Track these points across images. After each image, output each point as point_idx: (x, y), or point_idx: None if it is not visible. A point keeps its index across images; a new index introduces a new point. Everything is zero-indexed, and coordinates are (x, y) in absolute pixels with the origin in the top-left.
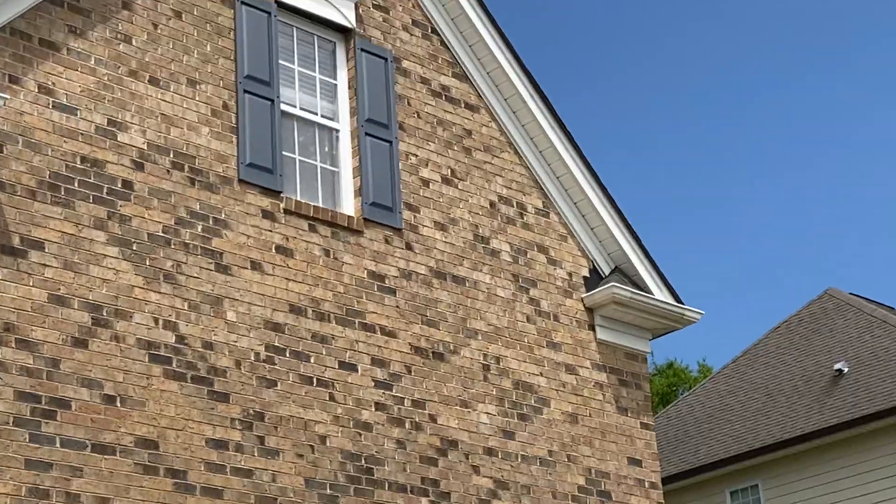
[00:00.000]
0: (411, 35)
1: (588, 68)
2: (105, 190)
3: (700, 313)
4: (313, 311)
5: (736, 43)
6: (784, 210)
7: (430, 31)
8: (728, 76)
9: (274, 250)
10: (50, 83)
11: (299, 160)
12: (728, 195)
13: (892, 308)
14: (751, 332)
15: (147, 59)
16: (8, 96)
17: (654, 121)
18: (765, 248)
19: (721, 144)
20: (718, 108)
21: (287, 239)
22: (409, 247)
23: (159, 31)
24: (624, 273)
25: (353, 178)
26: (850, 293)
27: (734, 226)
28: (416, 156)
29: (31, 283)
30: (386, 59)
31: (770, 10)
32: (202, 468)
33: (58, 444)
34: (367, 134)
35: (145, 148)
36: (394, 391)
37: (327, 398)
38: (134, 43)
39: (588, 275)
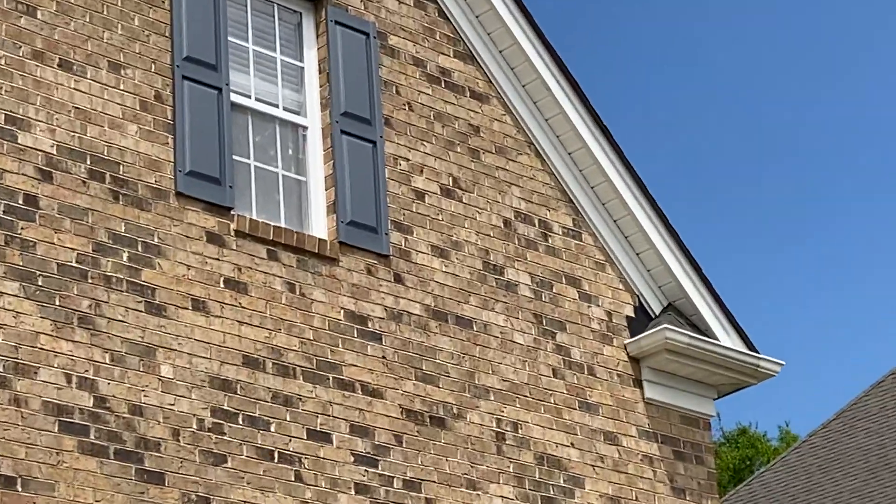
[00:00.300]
0: (399, 3)
1: (635, 48)
2: (2, 208)
3: (780, 364)
4: (274, 363)
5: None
6: (883, 244)
7: None
8: (831, 96)
9: (223, 285)
10: None
11: (255, 167)
12: (817, 222)
13: None
14: (846, 389)
15: (56, 37)
16: None
17: (724, 114)
18: (862, 288)
19: (811, 159)
20: (821, 117)
21: (239, 270)
22: (398, 279)
23: (72, 1)
24: (680, 312)
25: (326, 189)
26: None
27: (823, 260)
28: (408, 160)
29: None
30: (367, 35)
31: None
32: None
33: None
34: (343, 132)
35: (54, 152)
36: (379, 468)
37: (292, 478)
38: (39, 16)
39: (633, 314)
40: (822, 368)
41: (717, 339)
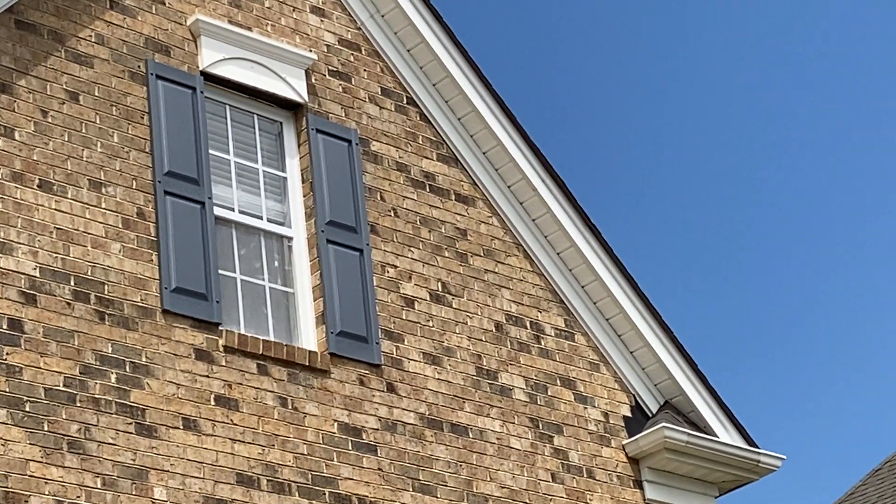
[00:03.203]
0: (381, 108)
1: (619, 144)
2: None
3: (781, 458)
4: (269, 480)
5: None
6: (880, 330)
7: (405, 101)
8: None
9: (213, 402)
10: None
11: (241, 280)
12: (812, 314)
13: None
14: (846, 477)
15: (35, 158)
16: None
17: (712, 208)
18: (862, 374)
19: (804, 244)
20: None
21: (230, 386)
22: (391, 388)
23: (50, 120)
24: (677, 409)
25: (314, 300)
26: None
27: (819, 349)
28: (396, 266)
29: None
30: (349, 142)
31: None
32: None
33: None
34: (329, 241)
35: (37, 275)
36: None
37: None
38: (17, 137)
39: (630, 414)
40: (825, 457)
41: (716, 435)
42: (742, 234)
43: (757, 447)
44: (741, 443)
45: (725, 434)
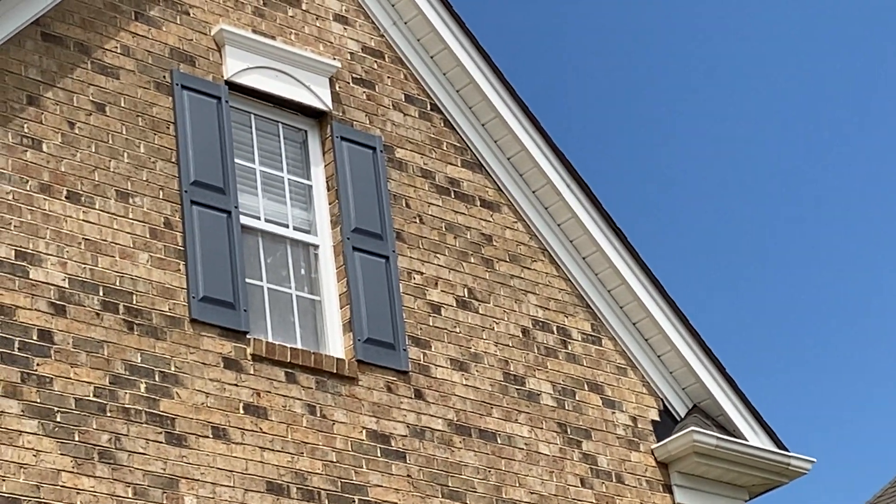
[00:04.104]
0: (405, 115)
1: (644, 147)
2: (16, 344)
3: (811, 461)
4: (298, 488)
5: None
6: None
7: (429, 108)
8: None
9: (242, 410)
10: None
11: (268, 289)
12: (841, 313)
13: None
14: (876, 479)
15: (63, 169)
16: None
17: (739, 209)
18: (892, 375)
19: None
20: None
21: (258, 395)
22: (419, 395)
23: (77, 132)
24: (706, 413)
25: (341, 307)
26: None
27: (851, 352)
28: (422, 273)
29: None
30: (374, 149)
31: None
32: None
33: None
34: (355, 248)
35: (66, 285)
36: None
37: None
38: (45, 149)
39: (658, 418)
40: (854, 460)
41: (745, 439)
42: (768, 236)
43: (787, 450)
44: (771, 446)
45: (755, 437)
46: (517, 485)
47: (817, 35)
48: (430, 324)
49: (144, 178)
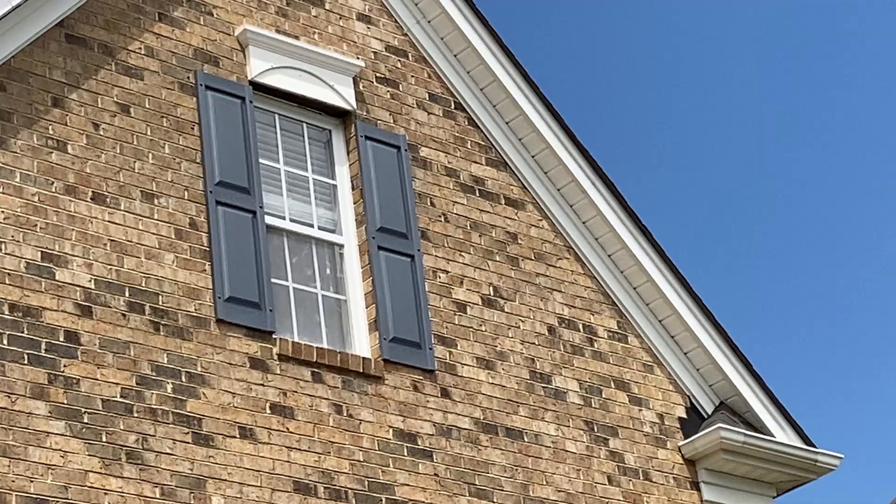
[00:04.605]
0: (429, 114)
1: (671, 143)
2: (43, 346)
3: (838, 458)
4: (325, 487)
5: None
6: None
7: (453, 106)
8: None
9: (268, 410)
10: None
11: (294, 288)
12: (867, 309)
13: None
14: None
15: (88, 171)
16: None
17: (767, 204)
18: None
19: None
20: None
21: (285, 394)
22: (445, 394)
23: (102, 133)
24: (733, 410)
25: (366, 307)
26: None
27: (878, 347)
28: (447, 272)
29: None
30: (398, 148)
31: None
32: None
33: None
34: (380, 248)
35: (92, 287)
36: None
37: None
38: (70, 150)
39: (685, 415)
40: (883, 455)
41: (772, 435)
42: (795, 232)
43: (814, 446)
44: (798, 442)
45: (782, 434)
46: (544, 483)
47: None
48: (456, 322)
49: (169, 179)
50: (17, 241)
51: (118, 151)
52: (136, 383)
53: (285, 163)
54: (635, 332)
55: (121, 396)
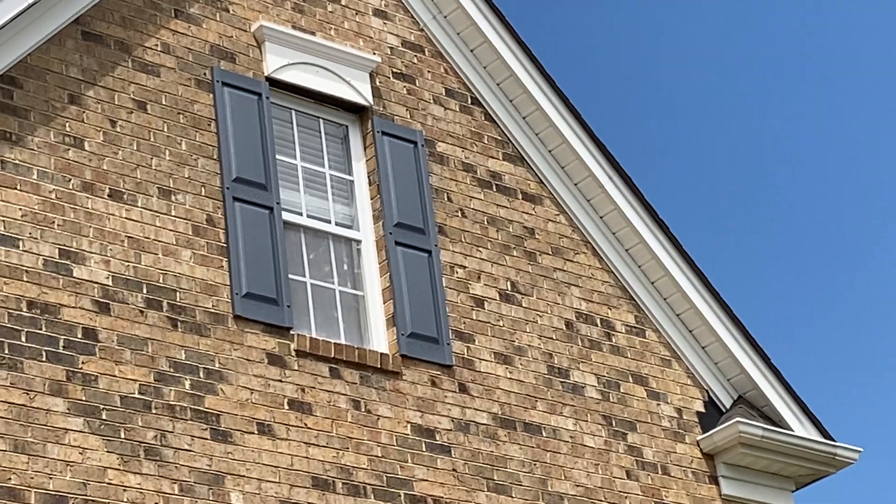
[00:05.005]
0: (446, 109)
1: (688, 137)
2: (61, 343)
3: (857, 451)
4: (344, 483)
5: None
6: None
7: (469, 101)
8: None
9: (287, 406)
10: None
11: (311, 284)
12: (884, 302)
13: None
14: None
15: (105, 167)
16: None
17: (784, 199)
18: None
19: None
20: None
21: (303, 390)
22: (463, 389)
23: (119, 130)
24: (751, 404)
25: (384, 302)
26: None
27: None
28: (465, 267)
29: None
30: (415, 143)
31: None
32: None
33: None
34: (397, 243)
35: (110, 283)
36: None
37: None
38: (87, 147)
39: (703, 409)
40: None
41: (790, 429)
42: (813, 225)
43: (833, 440)
44: (817, 436)
45: (801, 427)
46: (562, 478)
47: None
48: (474, 317)
49: (186, 176)
50: (35, 239)
51: (135, 148)
52: (155, 380)
53: (302, 159)
54: (653, 326)
55: (139, 393)
